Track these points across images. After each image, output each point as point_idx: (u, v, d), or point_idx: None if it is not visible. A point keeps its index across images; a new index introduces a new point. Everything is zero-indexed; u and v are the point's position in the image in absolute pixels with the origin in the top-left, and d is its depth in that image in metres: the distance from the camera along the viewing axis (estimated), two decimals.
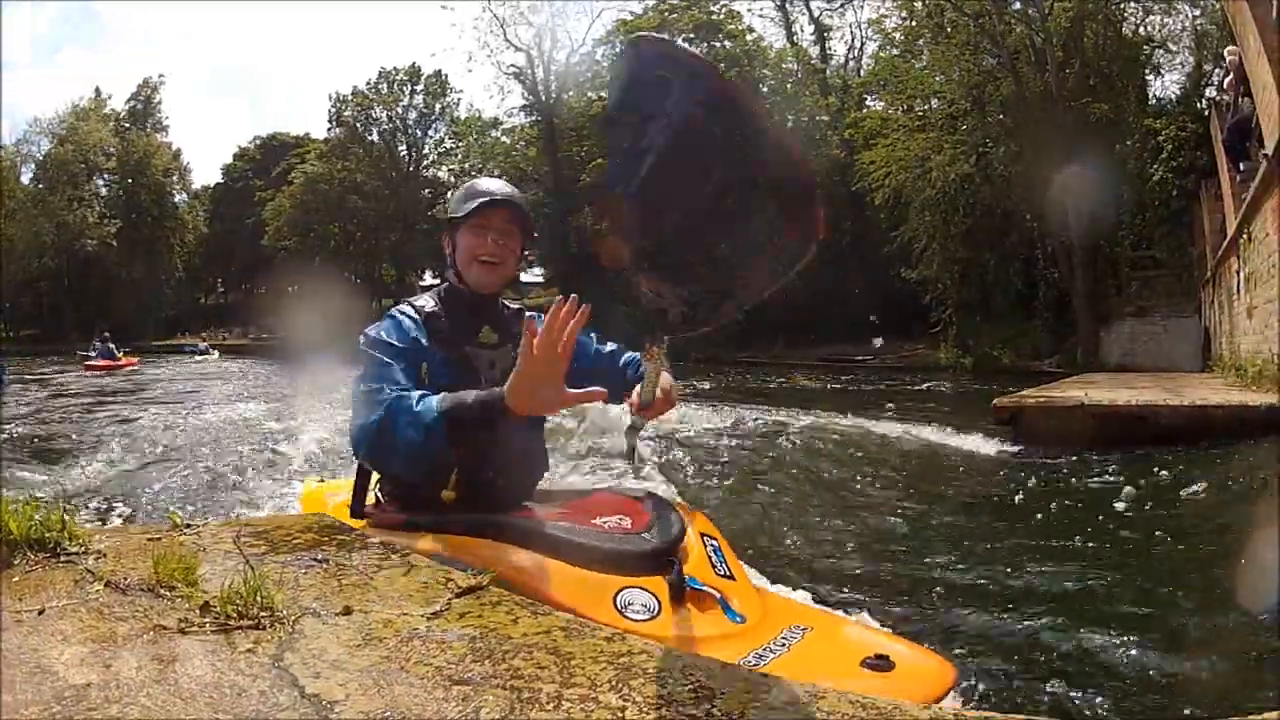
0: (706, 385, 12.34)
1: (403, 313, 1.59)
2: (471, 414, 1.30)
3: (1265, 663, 1.63)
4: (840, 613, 1.80)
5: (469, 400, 1.31)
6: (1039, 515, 3.52)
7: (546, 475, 1.80)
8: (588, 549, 1.34)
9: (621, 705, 0.76)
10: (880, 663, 1.23)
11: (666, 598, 1.30)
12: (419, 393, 1.38)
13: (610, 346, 1.84)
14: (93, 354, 18.46)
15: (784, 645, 1.31)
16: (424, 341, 1.54)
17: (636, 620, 1.25)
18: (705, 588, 1.36)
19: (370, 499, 1.70)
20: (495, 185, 1.67)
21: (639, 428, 1.53)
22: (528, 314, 1.71)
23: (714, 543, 1.54)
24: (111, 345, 18.70)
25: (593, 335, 1.80)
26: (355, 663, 0.84)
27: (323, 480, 3.11)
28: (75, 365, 18.20)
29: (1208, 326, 12.64)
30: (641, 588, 1.31)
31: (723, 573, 1.46)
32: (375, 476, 1.68)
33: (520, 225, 1.66)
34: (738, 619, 1.34)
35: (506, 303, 1.72)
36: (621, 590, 1.29)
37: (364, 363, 1.49)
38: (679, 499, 1.86)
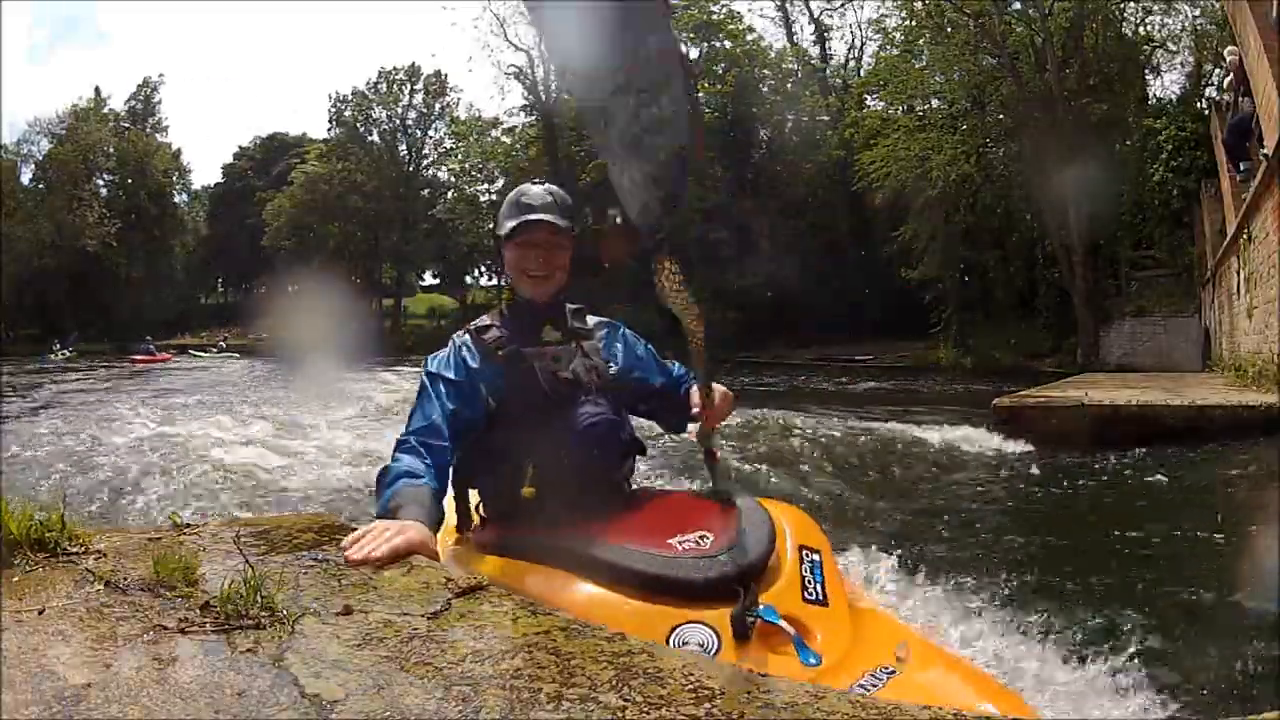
0: None
1: (459, 338, 1.64)
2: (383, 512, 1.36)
3: (1265, 663, 1.64)
4: (950, 647, 1.67)
5: (390, 504, 1.35)
6: (1037, 515, 3.52)
7: (638, 460, 1.71)
8: (647, 577, 1.24)
9: (621, 705, 0.76)
10: None
11: (729, 634, 1.17)
12: (400, 465, 1.44)
13: (675, 368, 1.80)
14: (140, 351, 24.79)
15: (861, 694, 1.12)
16: (475, 364, 1.59)
17: None
18: (780, 621, 1.21)
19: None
20: (536, 198, 1.63)
21: (707, 436, 1.60)
22: (591, 319, 1.73)
23: (814, 557, 1.39)
24: (153, 346, 25.32)
25: (650, 347, 1.78)
26: (355, 663, 0.84)
27: None
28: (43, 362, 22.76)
29: (1208, 326, 12.63)
30: (702, 622, 1.19)
31: (813, 597, 1.32)
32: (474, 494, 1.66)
33: (565, 234, 1.64)
34: (812, 660, 1.19)
35: (570, 304, 1.72)
36: (679, 626, 1.18)
37: (418, 392, 1.58)
38: (787, 502, 1.72)
